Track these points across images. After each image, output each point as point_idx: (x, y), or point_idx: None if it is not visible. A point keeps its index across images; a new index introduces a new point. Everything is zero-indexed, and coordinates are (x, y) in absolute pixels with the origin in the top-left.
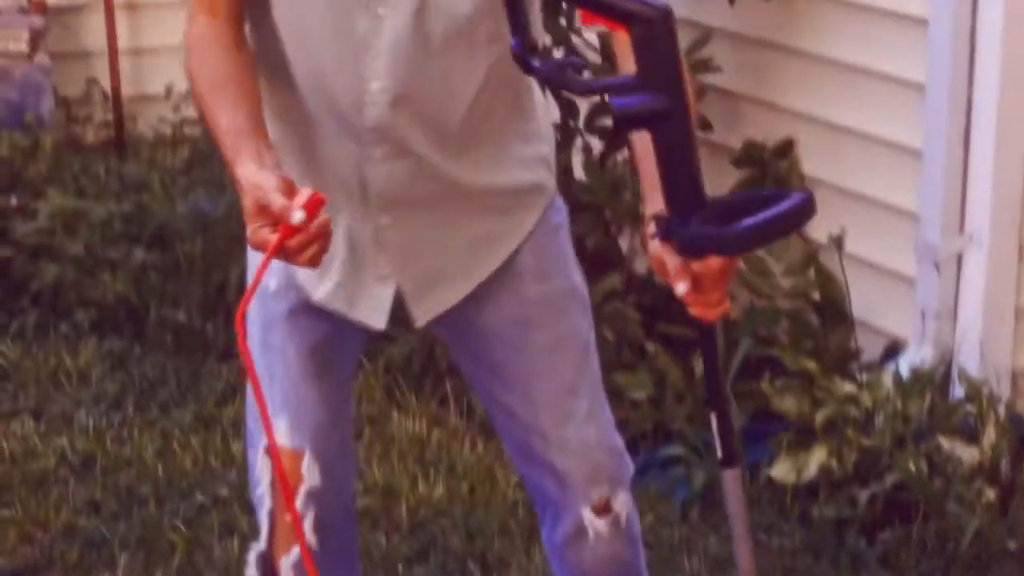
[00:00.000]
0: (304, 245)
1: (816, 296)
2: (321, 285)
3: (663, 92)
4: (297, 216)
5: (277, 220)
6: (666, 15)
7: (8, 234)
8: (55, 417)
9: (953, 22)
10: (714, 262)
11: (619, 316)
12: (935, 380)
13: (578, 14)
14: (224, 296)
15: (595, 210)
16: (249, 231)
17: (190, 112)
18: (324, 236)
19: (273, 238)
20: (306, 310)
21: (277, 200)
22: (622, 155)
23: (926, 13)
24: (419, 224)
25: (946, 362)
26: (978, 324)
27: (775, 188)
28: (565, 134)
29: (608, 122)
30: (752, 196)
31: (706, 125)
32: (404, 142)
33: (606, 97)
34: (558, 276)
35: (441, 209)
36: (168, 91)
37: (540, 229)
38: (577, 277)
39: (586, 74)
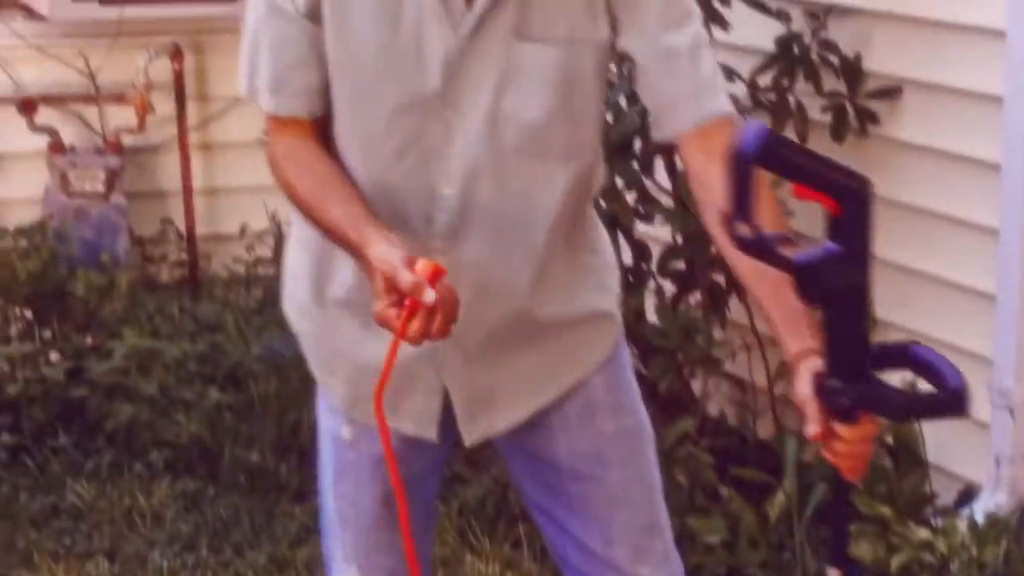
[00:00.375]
0: (433, 322)
1: (890, 440)
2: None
3: (859, 266)
4: (429, 296)
5: (404, 297)
6: (872, 192)
7: (84, 373)
8: (129, 558)
9: None
10: (866, 426)
11: (692, 460)
12: (1010, 526)
13: (790, 187)
14: (297, 437)
15: (668, 353)
16: (377, 309)
17: (264, 251)
18: (451, 305)
19: (399, 323)
20: (379, 460)
21: (406, 277)
22: (694, 298)
23: (999, 158)
24: (480, 343)
25: (1021, 508)
26: None
27: (927, 348)
28: (638, 277)
29: (680, 265)
30: (911, 351)
31: None
32: (472, 256)
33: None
34: (631, 412)
35: (505, 330)
36: (242, 230)
37: (613, 363)
38: (645, 414)
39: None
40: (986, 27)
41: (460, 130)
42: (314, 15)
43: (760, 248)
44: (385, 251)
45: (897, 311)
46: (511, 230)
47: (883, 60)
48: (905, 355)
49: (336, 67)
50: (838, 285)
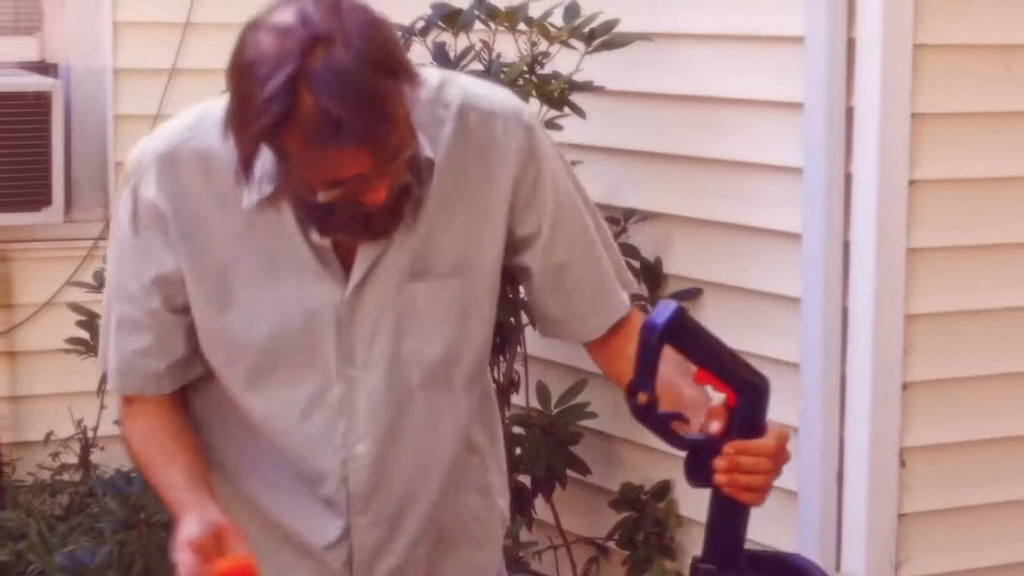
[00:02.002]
0: None
1: None
2: None
3: None
4: None
5: None
6: (768, 391)
7: None
8: None
9: (823, 367)
10: None
11: None
12: None
13: (694, 372)
14: None
15: None
16: None
17: (70, 458)
18: None
19: None
20: None
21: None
22: None
23: (797, 358)
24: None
25: None
26: None
27: (804, 561)
28: None
29: None
30: (781, 560)
31: (584, 469)
32: (386, 501)
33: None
34: None
35: (416, 548)
36: (47, 437)
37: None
38: None
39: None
40: (783, 231)
41: (363, 384)
42: (173, 306)
43: (654, 420)
44: (183, 536)
45: (702, 510)
46: (422, 464)
47: (683, 263)
48: (787, 565)
49: (222, 347)
50: None
